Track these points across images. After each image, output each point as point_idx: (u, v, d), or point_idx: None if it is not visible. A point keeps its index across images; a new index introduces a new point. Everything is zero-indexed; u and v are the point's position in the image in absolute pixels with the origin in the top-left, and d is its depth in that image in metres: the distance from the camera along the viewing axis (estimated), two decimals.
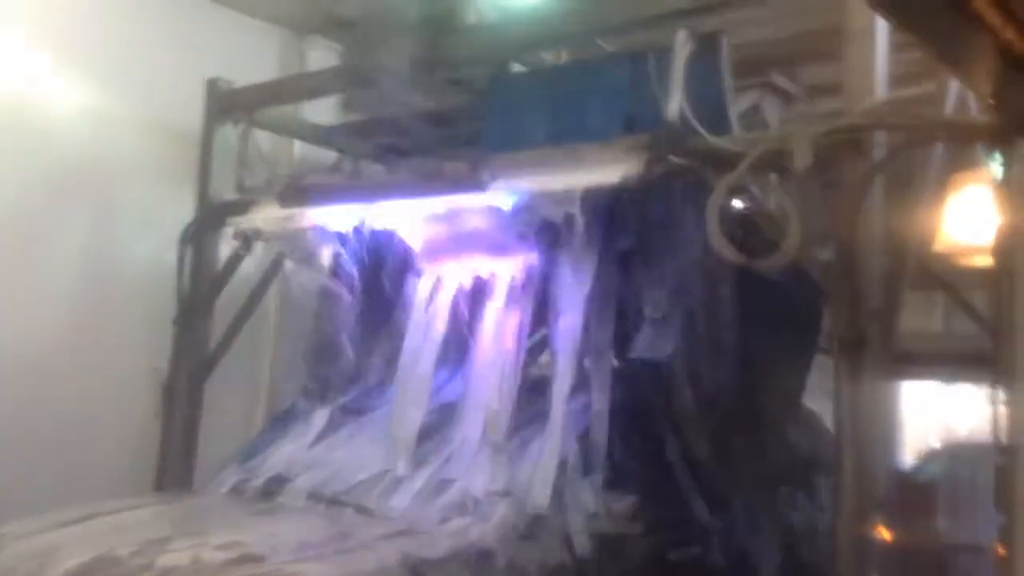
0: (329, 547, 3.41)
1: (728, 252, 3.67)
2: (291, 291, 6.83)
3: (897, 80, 3.96)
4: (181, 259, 5.87)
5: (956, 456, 7.29)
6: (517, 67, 5.51)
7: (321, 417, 4.79)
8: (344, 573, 3.20)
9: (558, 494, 3.78)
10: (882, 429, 3.83)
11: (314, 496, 4.15)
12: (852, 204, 3.64)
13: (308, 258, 5.29)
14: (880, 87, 3.85)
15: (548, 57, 5.49)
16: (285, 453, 4.59)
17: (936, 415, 9.23)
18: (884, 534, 3.70)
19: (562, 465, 3.86)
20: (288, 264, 6.50)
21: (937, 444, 8.54)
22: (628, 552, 3.93)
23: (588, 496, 3.86)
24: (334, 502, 4.06)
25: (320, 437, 4.65)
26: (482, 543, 3.52)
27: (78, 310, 5.80)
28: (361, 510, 3.92)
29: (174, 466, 5.69)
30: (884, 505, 3.71)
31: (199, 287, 5.91)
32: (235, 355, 6.02)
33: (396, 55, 5.19)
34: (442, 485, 3.93)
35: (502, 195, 4.15)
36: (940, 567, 5.82)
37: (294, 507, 4.11)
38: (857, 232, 3.65)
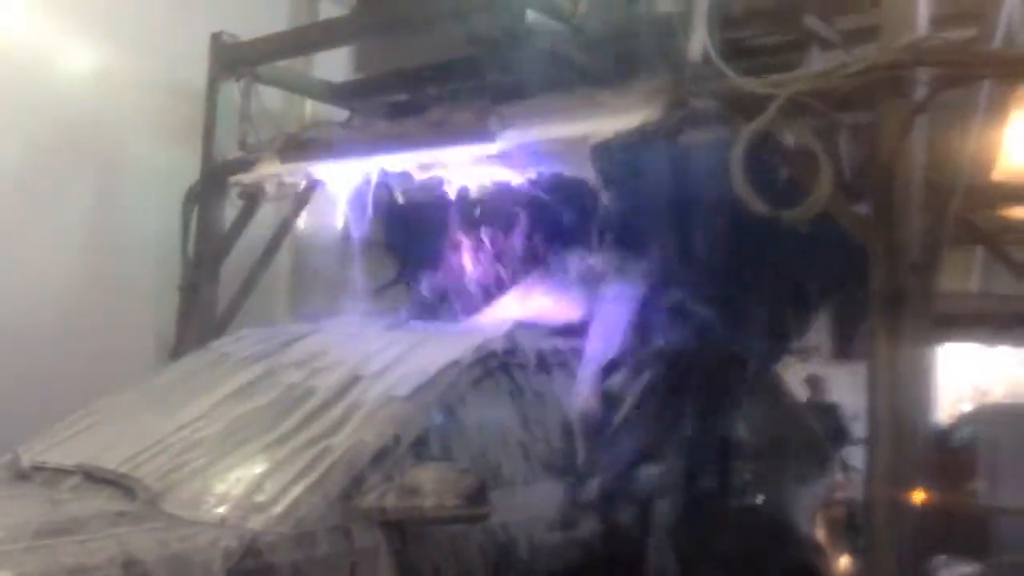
0: None
1: (754, 202, 3.41)
2: (305, 252, 6.77)
3: (939, 24, 3.65)
4: (186, 221, 5.70)
5: (994, 418, 7.11)
6: (532, 15, 5.24)
7: None
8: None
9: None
10: (920, 391, 3.59)
11: None
12: (890, 149, 3.35)
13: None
14: (921, 27, 3.55)
15: (564, 4, 5.20)
16: None
17: (970, 376, 9.05)
18: (920, 498, 3.50)
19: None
20: (301, 223, 6.37)
21: (972, 406, 8.35)
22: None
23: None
24: None
25: None
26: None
27: (81, 275, 5.67)
28: None
29: None
30: (921, 468, 3.48)
31: (205, 250, 5.73)
32: (244, 320, 5.86)
33: (408, 3, 5.00)
34: None
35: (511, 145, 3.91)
36: (978, 530, 5.66)
37: None
38: (896, 180, 3.37)
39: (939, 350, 3.83)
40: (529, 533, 3.30)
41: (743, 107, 3.54)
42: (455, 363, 3.43)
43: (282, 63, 6.05)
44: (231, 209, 5.70)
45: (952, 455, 6.14)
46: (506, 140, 3.98)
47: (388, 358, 3.54)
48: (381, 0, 5.27)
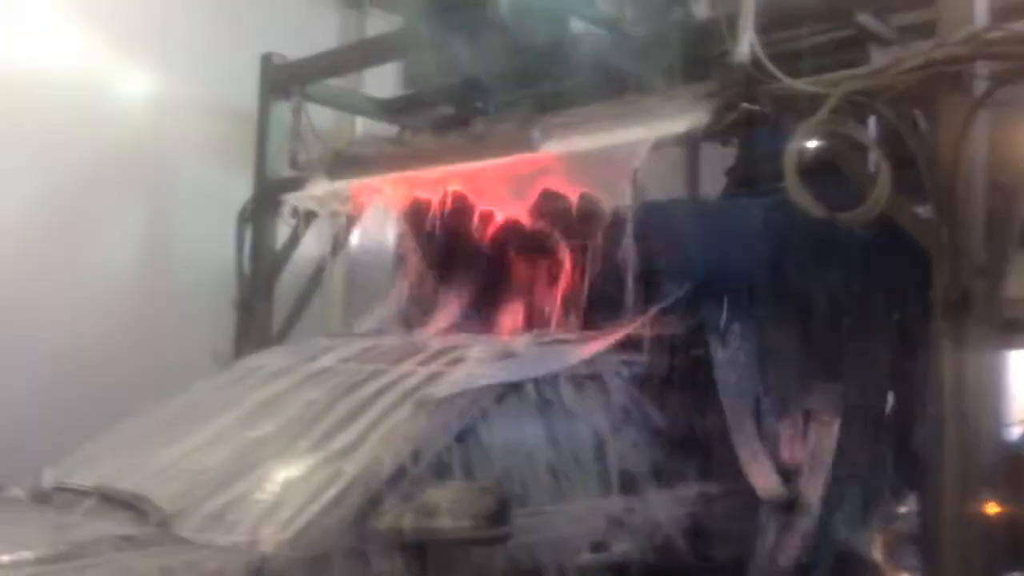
0: None
1: (810, 205, 3.31)
2: (357, 267, 6.80)
3: (1000, 17, 3.50)
4: (240, 239, 5.78)
5: None
6: (577, 23, 5.20)
7: None
8: None
9: None
10: (988, 398, 3.44)
11: None
12: (952, 147, 3.22)
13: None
14: (980, 19, 3.41)
15: (610, 9, 5.15)
16: None
17: None
18: (991, 510, 3.35)
19: None
20: (353, 239, 6.40)
21: None
22: None
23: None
24: None
25: None
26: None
27: (138, 293, 5.77)
28: None
29: None
30: (990, 480, 3.33)
31: (259, 267, 5.79)
32: (299, 336, 5.89)
33: (455, 18, 4.98)
34: None
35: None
36: None
37: None
38: (958, 180, 3.23)
39: (1008, 357, 3.67)
40: (558, 555, 3.14)
41: (795, 109, 3.43)
42: (476, 379, 3.28)
43: (332, 81, 6.11)
44: (284, 227, 5.76)
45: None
46: (549, 150, 3.92)
47: (414, 373, 3.42)
48: (428, 15, 5.28)
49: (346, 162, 4.85)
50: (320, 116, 6.25)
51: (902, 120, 3.29)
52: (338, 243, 5.99)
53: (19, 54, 5.38)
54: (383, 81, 6.69)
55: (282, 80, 5.84)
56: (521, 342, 3.71)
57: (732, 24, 3.61)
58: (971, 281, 3.28)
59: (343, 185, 4.82)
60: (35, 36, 5.46)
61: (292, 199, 5.20)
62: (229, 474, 3.02)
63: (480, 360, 3.46)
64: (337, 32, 7.07)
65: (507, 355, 3.51)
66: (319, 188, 5.01)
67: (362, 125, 6.87)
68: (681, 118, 3.62)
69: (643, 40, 4.54)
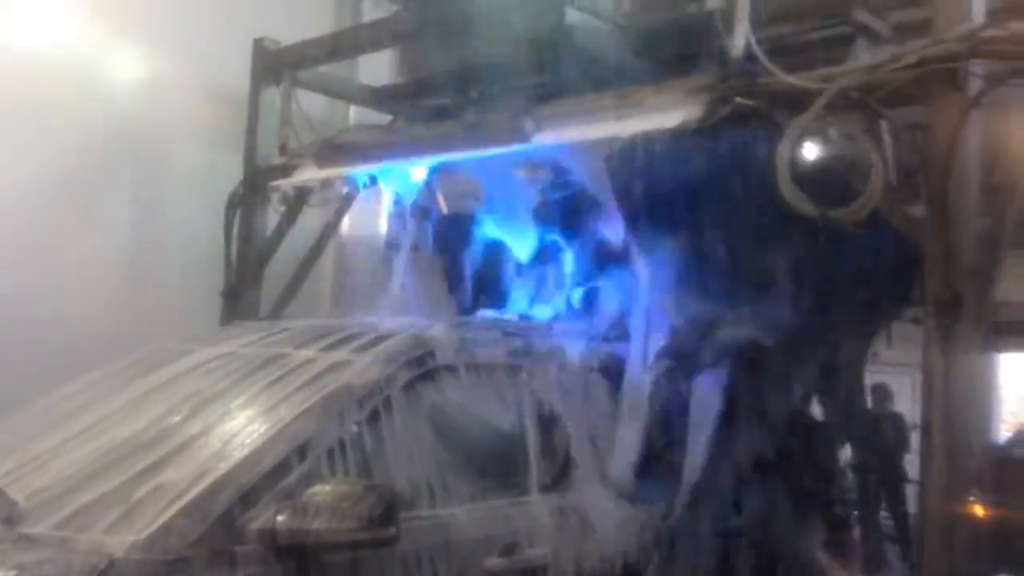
0: None
1: (801, 203, 3.28)
2: (348, 254, 6.76)
3: (996, 16, 3.46)
4: (228, 225, 5.74)
5: None
6: (573, 14, 5.15)
7: None
8: None
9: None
10: (976, 401, 3.42)
11: None
12: (945, 146, 3.19)
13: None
14: (977, 18, 3.38)
15: (605, 3, 5.10)
16: None
17: None
18: (978, 512, 3.33)
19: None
20: (344, 227, 6.36)
21: None
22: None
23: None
24: None
25: None
26: None
27: (124, 277, 5.75)
28: None
29: None
30: (978, 481, 3.32)
31: (248, 255, 5.75)
32: None
33: (450, 5, 4.94)
34: None
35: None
36: None
37: None
38: (951, 179, 3.20)
39: (999, 359, 3.65)
40: (461, 561, 2.89)
41: (789, 104, 3.40)
42: (378, 364, 2.98)
43: (326, 68, 6.06)
44: (274, 214, 5.73)
45: (1012, 467, 5.90)
46: (540, 141, 3.89)
47: (316, 360, 3.11)
48: (424, 3, 5.23)
49: (337, 150, 4.79)
50: (314, 104, 6.21)
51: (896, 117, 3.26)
52: (327, 231, 5.97)
53: (11, 37, 5.33)
54: (377, 69, 6.67)
55: (274, 65, 5.79)
56: (443, 325, 3.43)
57: (727, 17, 3.58)
58: (962, 283, 3.26)
59: (334, 173, 4.77)
60: (28, 20, 5.41)
61: (282, 186, 5.13)
62: (95, 469, 2.75)
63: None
64: (333, 18, 7.03)
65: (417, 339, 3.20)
66: (309, 175, 4.95)
67: (355, 113, 6.84)
68: (673, 111, 3.58)
69: (639, 32, 4.52)
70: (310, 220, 5.88)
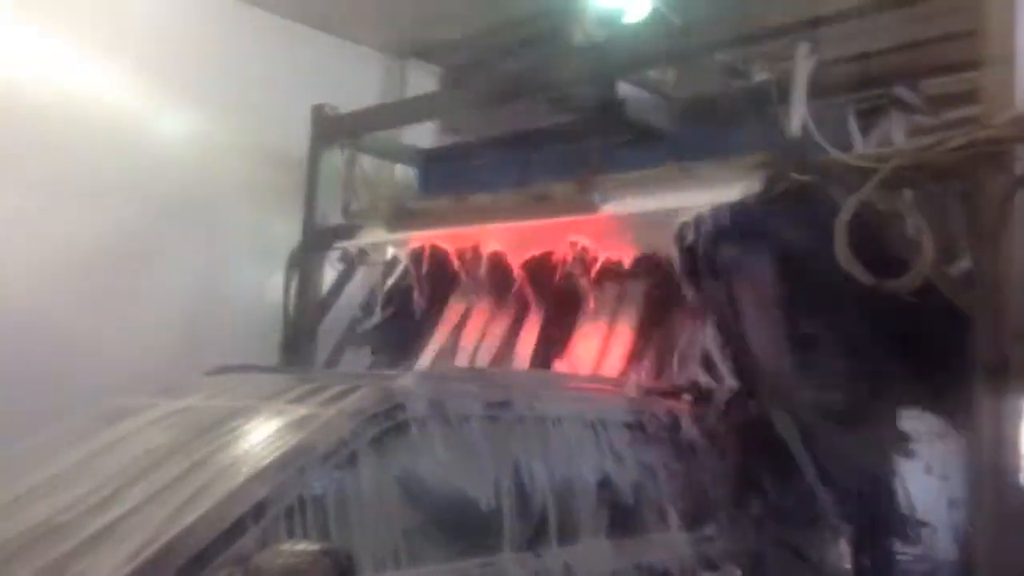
0: None
1: (858, 272, 3.50)
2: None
3: None
4: (287, 284, 5.94)
5: None
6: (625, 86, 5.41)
7: None
8: None
9: None
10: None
11: None
12: (993, 221, 3.42)
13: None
14: (1021, 100, 3.62)
15: (655, 75, 5.37)
16: None
17: None
18: None
19: None
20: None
21: None
22: None
23: None
24: None
25: None
26: None
27: (186, 336, 5.88)
28: None
29: None
30: None
31: (304, 311, 5.96)
32: None
33: (498, 77, 5.18)
34: None
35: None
36: None
37: None
38: (1000, 251, 3.43)
39: None
40: None
41: (842, 180, 3.63)
42: (344, 418, 2.82)
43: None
44: (330, 273, 5.95)
45: None
46: (606, 211, 4.12)
47: (283, 412, 2.97)
48: (472, 72, 5.47)
49: (406, 215, 5.03)
50: (363, 164, 6.44)
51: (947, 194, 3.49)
52: (377, 290, 6.17)
53: (76, 99, 5.53)
54: (422, 129, 6.91)
55: (332, 130, 6.06)
56: (414, 376, 3.32)
57: (783, 95, 3.83)
58: (1010, 346, 3.46)
59: (400, 236, 5.00)
60: (93, 82, 5.62)
61: (347, 246, 5.35)
62: (31, 539, 2.55)
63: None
64: (380, 82, 7.28)
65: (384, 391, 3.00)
66: (375, 238, 5.18)
67: (400, 171, 7.07)
68: (733, 186, 3.82)
69: (689, 103, 4.76)
70: (366, 279, 6.09)
